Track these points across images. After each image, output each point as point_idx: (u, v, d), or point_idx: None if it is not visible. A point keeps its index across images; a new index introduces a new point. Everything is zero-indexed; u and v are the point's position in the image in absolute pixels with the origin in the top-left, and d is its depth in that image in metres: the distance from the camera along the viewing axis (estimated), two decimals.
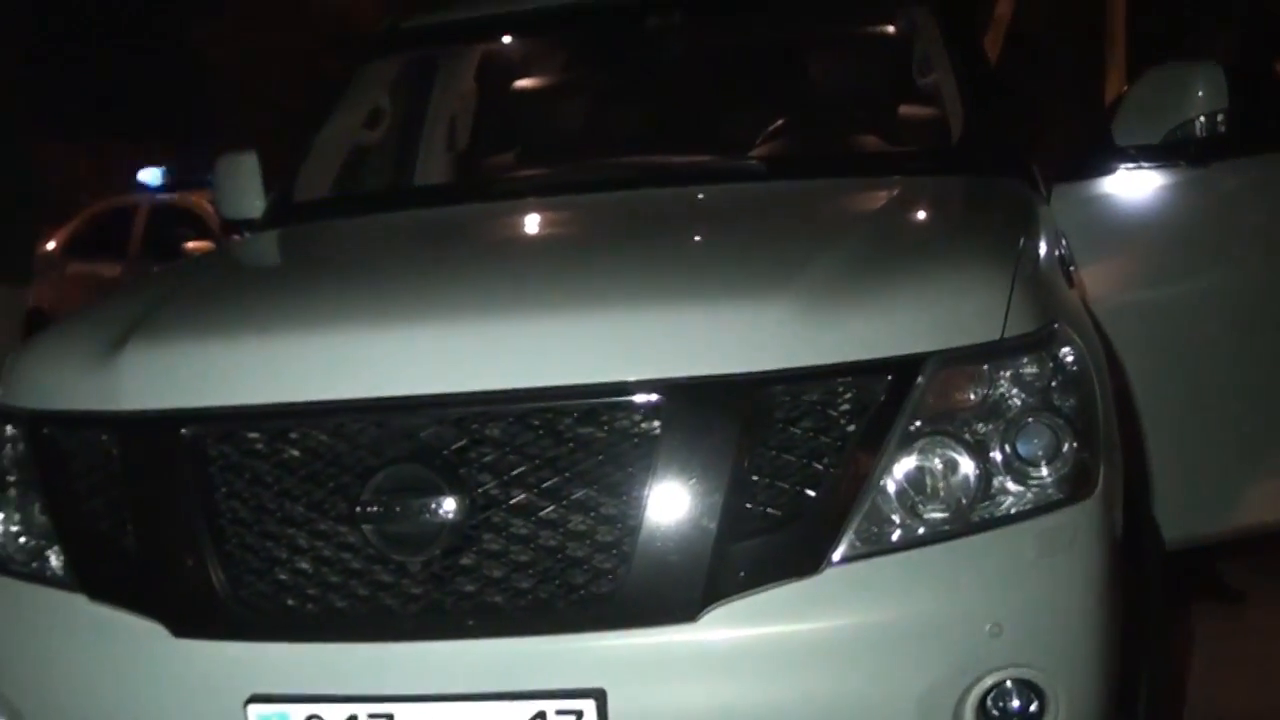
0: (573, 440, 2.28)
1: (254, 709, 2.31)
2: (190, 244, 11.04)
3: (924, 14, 4.04)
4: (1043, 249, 2.81)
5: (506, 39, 4.76)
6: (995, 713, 2.29)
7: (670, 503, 2.24)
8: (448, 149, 4.76)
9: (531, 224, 3.50)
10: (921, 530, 2.28)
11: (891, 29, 4.48)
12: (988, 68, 4.18)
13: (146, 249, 12.09)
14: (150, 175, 12.81)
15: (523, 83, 4.80)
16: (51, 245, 13.47)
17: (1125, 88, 3.95)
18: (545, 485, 2.28)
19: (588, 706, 2.21)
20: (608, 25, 4.35)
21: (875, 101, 4.21)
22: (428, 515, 2.26)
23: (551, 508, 2.27)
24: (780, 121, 4.05)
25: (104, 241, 12.64)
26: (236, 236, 4.15)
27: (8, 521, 2.61)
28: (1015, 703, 2.29)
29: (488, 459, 2.29)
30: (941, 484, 2.30)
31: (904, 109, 4.20)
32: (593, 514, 2.27)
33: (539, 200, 3.61)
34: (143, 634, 2.40)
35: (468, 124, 4.83)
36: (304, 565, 2.36)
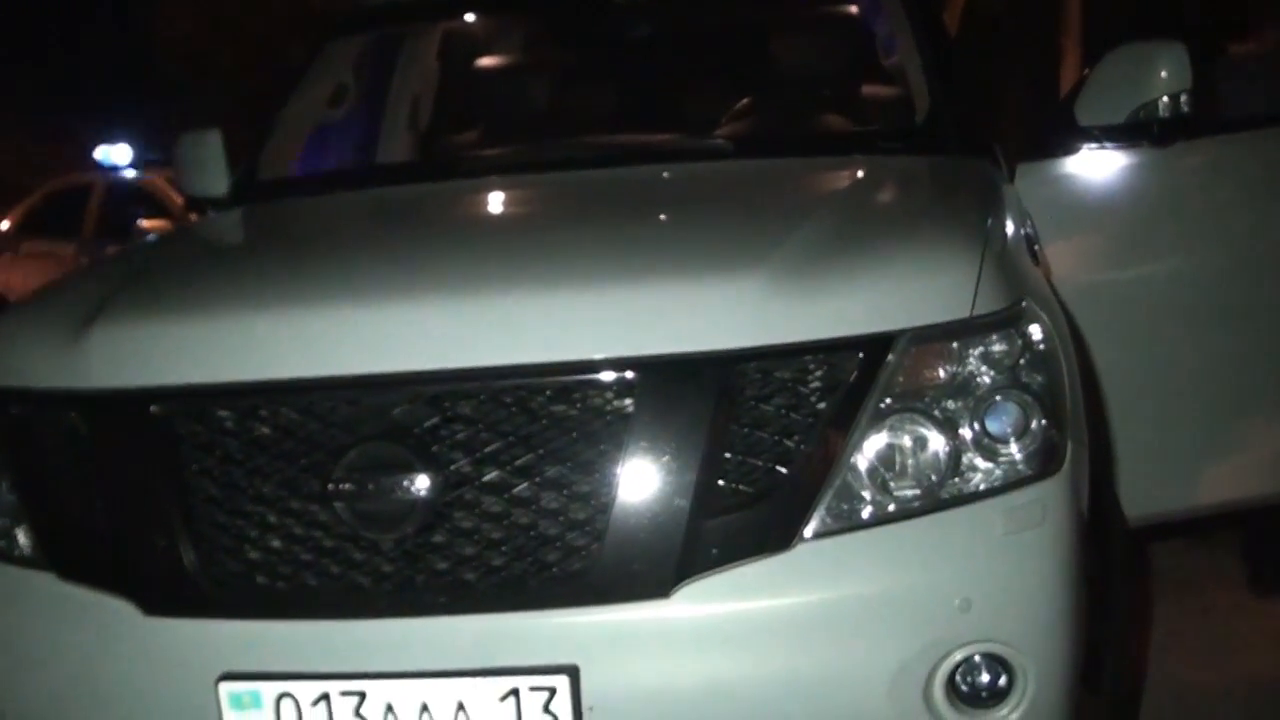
0: (545, 418, 2.27)
1: (225, 687, 2.30)
2: (144, 222, 10.93)
3: None
4: (1009, 228, 2.82)
5: (470, 17, 4.74)
6: (964, 687, 2.30)
7: (643, 480, 2.24)
8: (410, 127, 4.73)
9: (501, 202, 3.48)
10: (892, 507, 2.29)
11: (855, 9, 4.48)
12: (951, 48, 4.18)
13: (101, 228, 11.96)
14: (106, 154, 12.66)
15: (487, 61, 4.78)
16: (6, 225, 13.35)
17: (1084, 70, 3.96)
18: (518, 463, 2.27)
19: (561, 683, 2.22)
20: (571, 4, 4.33)
21: (840, 81, 4.20)
22: (400, 493, 2.26)
23: (524, 485, 2.27)
24: (745, 101, 4.04)
25: (59, 220, 12.49)
26: (194, 216, 4.11)
27: None
28: (984, 677, 2.31)
29: (460, 436, 2.28)
30: (911, 461, 2.32)
31: (868, 89, 4.20)
32: (565, 491, 2.26)
33: (507, 179, 3.60)
34: (113, 612, 2.38)
35: (430, 102, 4.80)
36: (275, 543, 2.34)
